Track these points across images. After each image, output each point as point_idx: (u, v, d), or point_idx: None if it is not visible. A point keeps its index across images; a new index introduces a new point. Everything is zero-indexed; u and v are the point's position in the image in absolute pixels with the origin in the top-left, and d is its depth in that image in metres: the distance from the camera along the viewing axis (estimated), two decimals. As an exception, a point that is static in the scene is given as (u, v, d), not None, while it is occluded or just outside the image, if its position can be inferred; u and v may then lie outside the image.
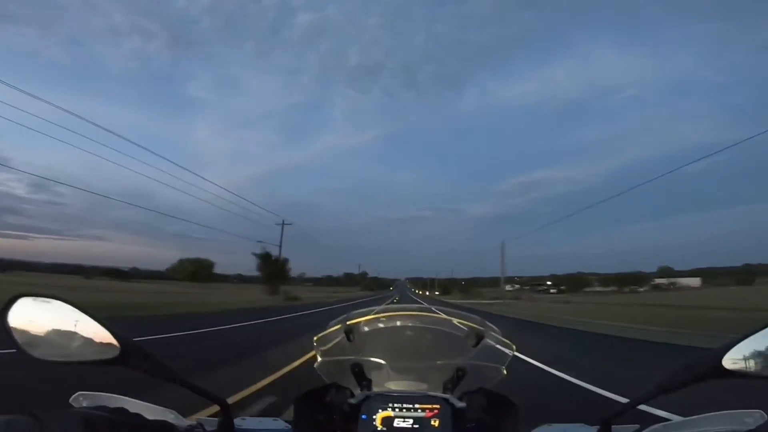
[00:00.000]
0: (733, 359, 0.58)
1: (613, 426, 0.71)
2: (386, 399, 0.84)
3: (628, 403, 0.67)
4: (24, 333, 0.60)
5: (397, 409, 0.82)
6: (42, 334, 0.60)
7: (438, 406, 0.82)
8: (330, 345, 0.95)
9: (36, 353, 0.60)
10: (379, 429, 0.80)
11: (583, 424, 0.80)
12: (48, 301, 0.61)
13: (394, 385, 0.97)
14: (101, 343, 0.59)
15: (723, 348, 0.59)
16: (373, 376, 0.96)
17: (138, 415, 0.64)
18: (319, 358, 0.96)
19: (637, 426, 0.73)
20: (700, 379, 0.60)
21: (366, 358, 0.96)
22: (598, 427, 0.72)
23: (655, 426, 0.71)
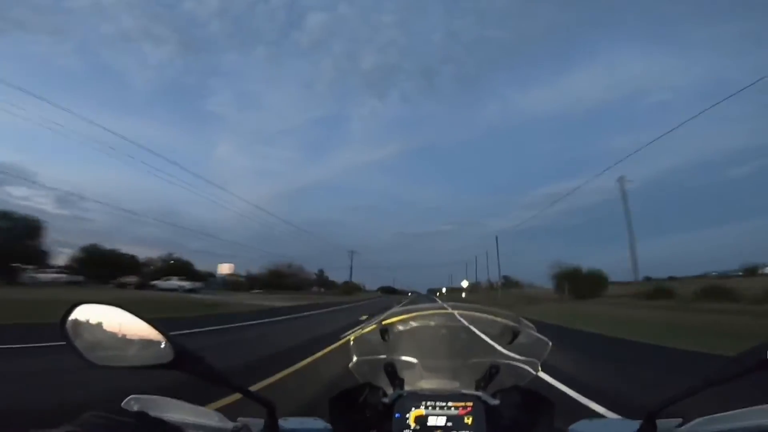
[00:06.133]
0: None
1: (657, 420, 0.70)
2: (419, 397, 0.85)
3: (674, 396, 0.66)
4: (83, 339, 0.64)
5: (430, 407, 0.83)
6: (100, 340, 0.64)
7: (471, 404, 0.83)
8: (365, 345, 0.96)
9: (94, 358, 0.63)
10: (412, 427, 0.81)
11: (623, 418, 0.80)
12: (105, 308, 0.64)
13: (426, 384, 0.98)
14: (156, 348, 0.62)
15: None
16: (406, 375, 0.98)
17: (185, 418, 0.67)
18: (354, 358, 0.98)
19: (680, 419, 0.73)
20: (747, 371, 0.59)
21: (399, 357, 0.97)
22: (640, 421, 0.71)
23: (699, 419, 0.71)
